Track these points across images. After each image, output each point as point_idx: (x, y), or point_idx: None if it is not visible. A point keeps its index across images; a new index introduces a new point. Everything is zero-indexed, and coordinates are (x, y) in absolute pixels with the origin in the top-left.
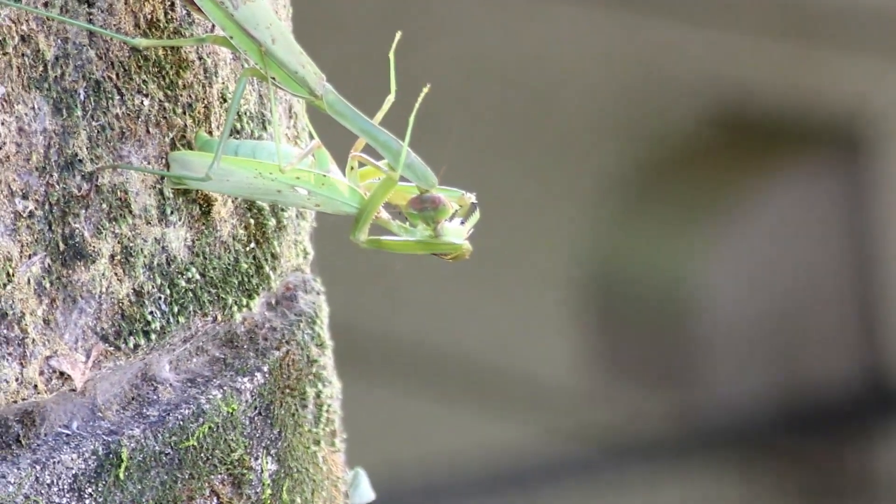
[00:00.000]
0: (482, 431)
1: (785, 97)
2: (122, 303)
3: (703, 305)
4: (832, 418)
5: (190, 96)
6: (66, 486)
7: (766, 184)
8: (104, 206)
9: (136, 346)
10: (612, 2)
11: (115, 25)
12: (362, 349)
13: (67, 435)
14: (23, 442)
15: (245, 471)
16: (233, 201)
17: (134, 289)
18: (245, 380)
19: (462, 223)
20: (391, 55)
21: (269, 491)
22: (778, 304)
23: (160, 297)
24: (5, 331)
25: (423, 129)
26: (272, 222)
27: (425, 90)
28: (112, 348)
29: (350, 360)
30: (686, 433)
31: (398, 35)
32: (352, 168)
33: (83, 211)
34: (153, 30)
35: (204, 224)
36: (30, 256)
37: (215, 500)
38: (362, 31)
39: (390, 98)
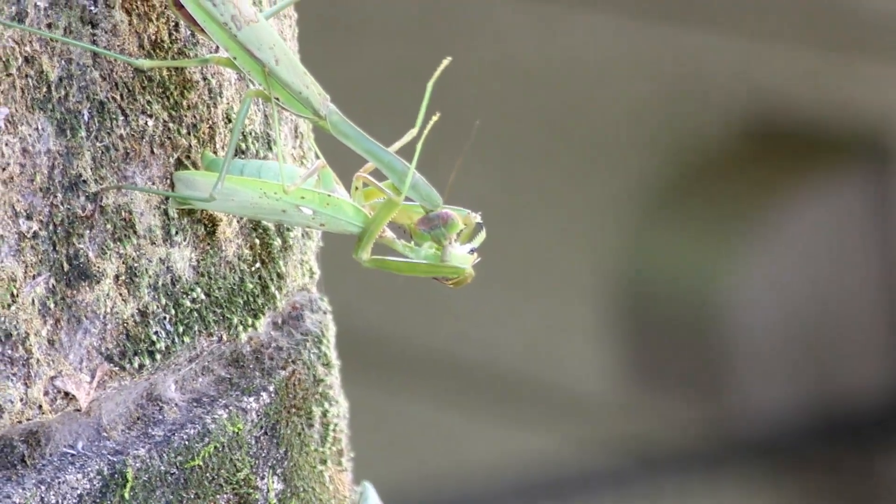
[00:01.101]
0: (514, 442)
1: (815, 107)
2: (127, 323)
3: (734, 315)
4: (863, 428)
5: (194, 117)
6: None
7: (795, 193)
8: (108, 226)
9: (141, 366)
10: (643, 11)
11: (118, 46)
12: (394, 360)
13: (72, 455)
14: (28, 462)
15: (251, 490)
16: (238, 221)
17: (139, 309)
18: (251, 399)
19: (471, 251)
20: (429, 85)
21: None
22: (808, 313)
23: (165, 318)
24: (10, 351)
25: (456, 137)
26: (278, 242)
27: (434, 118)
28: (117, 368)
29: (382, 370)
30: (718, 443)
31: (447, 61)
32: (356, 188)
33: (87, 231)
34: (157, 50)
35: (209, 244)
36: (34, 277)
37: None
38: (395, 40)
39: (413, 132)
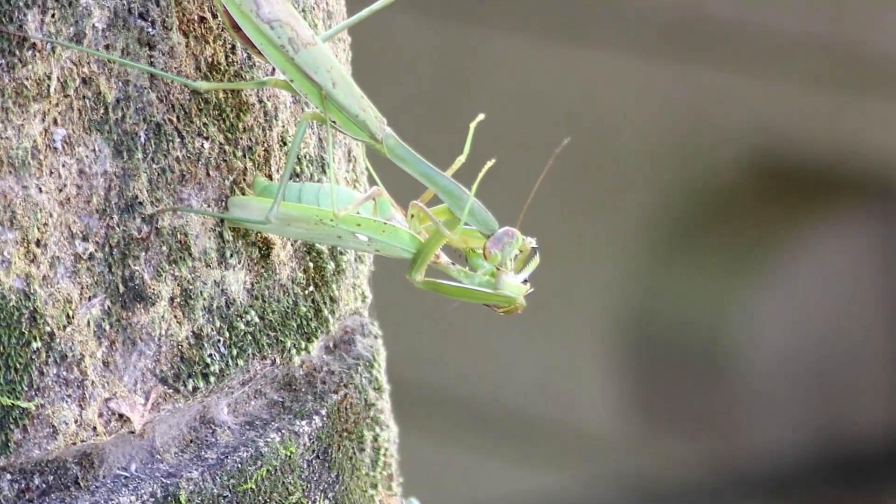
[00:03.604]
0: (523, 479)
1: (825, 147)
2: (182, 345)
3: (743, 354)
4: (871, 467)
5: (250, 139)
6: None
7: (805, 232)
8: (164, 248)
9: (195, 388)
10: (656, 50)
11: (176, 68)
12: (404, 397)
13: (126, 477)
14: (81, 484)
15: None
16: (292, 244)
17: (193, 331)
18: (303, 423)
19: (524, 281)
20: (472, 126)
21: None
22: (816, 352)
23: (219, 340)
24: (65, 372)
25: (473, 172)
26: (331, 266)
27: (490, 163)
28: (171, 391)
29: (392, 407)
30: (725, 481)
31: (481, 116)
32: (412, 216)
33: (143, 253)
34: (214, 73)
35: (263, 267)
36: (90, 298)
37: None
38: (418, 74)
39: (461, 159)
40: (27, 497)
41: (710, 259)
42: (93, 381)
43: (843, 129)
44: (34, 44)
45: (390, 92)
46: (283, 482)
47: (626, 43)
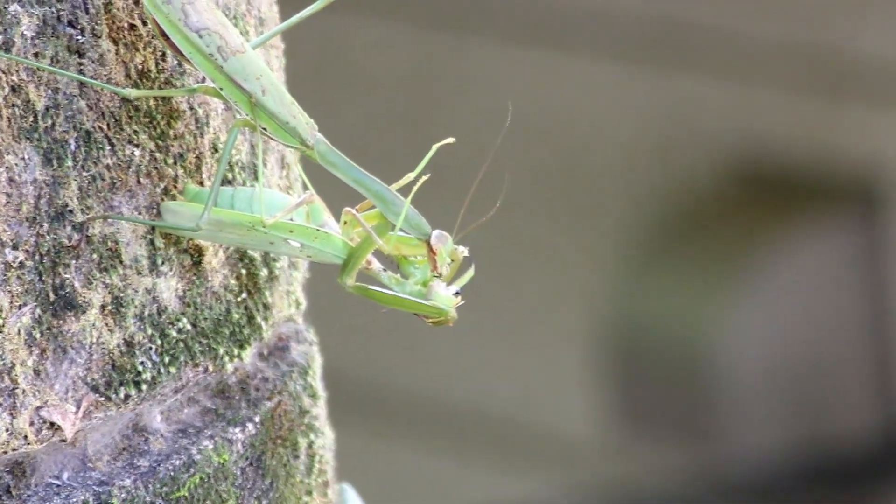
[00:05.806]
0: (504, 487)
1: (805, 152)
2: (113, 353)
3: (722, 360)
4: (851, 473)
5: (181, 146)
6: None
7: (785, 239)
8: (95, 256)
9: (127, 396)
10: (633, 57)
11: (105, 76)
12: (381, 404)
13: (58, 486)
14: (13, 493)
15: None
16: (224, 251)
17: (125, 339)
18: (237, 430)
19: (456, 293)
20: (435, 147)
21: None
22: (797, 358)
23: (151, 348)
24: None
25: (447, 183)
26: (264, 272)
27: (423, 178)
28: (103, 399)
29: (372, 415)
30: (708, 488)
31: (450, 140)
32: (345, 222)
33: (74, 261)
34: (144, 80)
35: (195, 274)
36: (20, 307)
37: None
38: (393, 84)
39: (410, 176)
40: None
41: (690, 266)
42: (24, 390)
43: (822, 134)
44: None
45: (365, 102)
46: (217, 490)
47: (604, 50)
